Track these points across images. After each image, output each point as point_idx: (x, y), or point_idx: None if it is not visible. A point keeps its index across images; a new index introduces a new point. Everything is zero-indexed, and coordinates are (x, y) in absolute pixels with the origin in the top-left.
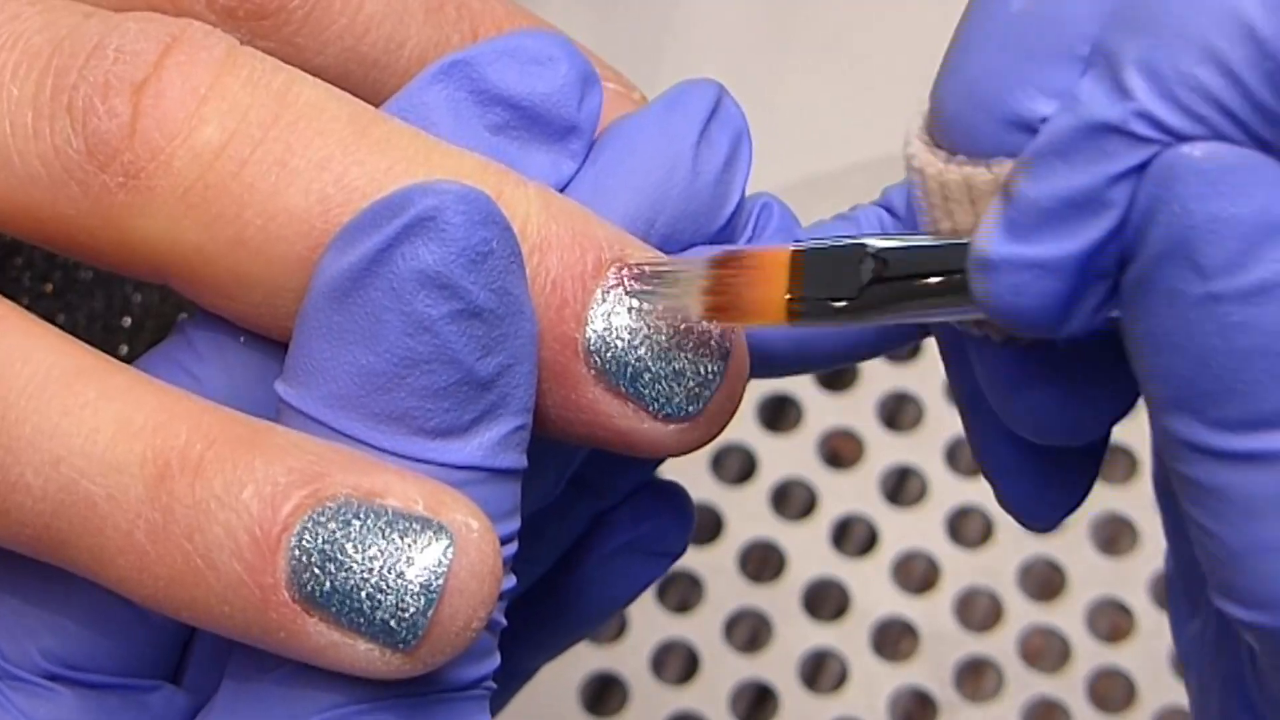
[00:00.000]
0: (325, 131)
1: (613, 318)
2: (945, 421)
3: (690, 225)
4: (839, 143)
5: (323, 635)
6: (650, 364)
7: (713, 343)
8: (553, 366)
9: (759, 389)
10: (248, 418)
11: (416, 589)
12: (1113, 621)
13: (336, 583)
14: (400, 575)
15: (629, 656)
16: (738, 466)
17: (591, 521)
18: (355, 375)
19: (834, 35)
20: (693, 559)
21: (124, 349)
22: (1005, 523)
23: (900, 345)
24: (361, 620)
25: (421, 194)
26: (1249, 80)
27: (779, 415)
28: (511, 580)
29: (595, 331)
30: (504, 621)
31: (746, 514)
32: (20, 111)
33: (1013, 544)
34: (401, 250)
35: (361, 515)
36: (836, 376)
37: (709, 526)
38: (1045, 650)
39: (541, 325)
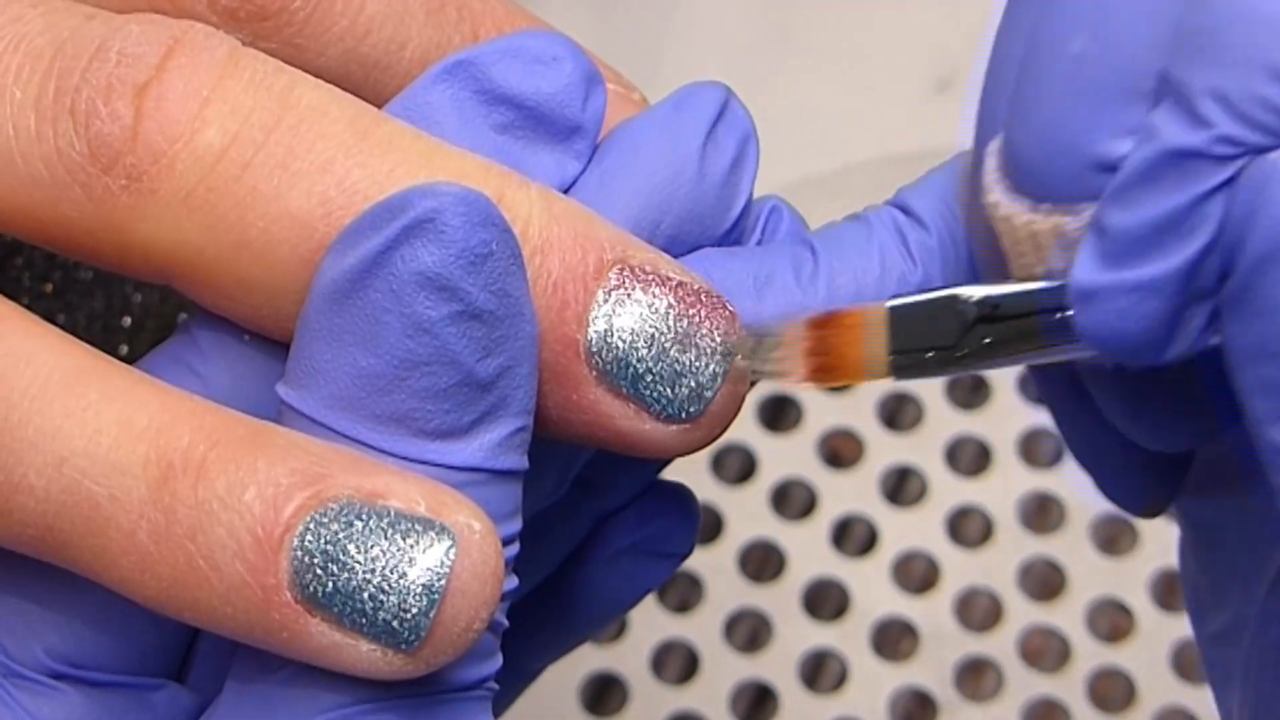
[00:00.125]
0: (327, 134)
1: (614, 319)
2: (945, 421)
3: (696, 227)
4: (839, 143)
5: (325, 636)
6: (652, 365)
7: (715, 344)
8: (554, 368)
9: (759, 389)
10: (250, 419)
11: (419, 590)
12: (1113, 621)
13: (339, 584)
14: (402, 576)
15: (629, 656)
16: (738, 466)
17: (596, 523)
18: (356, 377)
19: (834, 35)
20: (693, 559)
21: (124, 349)
22: (1005, 523)
23: None
24: (364, 621)
25: (421, 196)
26: None
27: (779, 415)
28: (514, 581)
29: (597, 333)
30: (506, 622)
31: (746, 514)
32: (23, 114)
33: (1013, 544)
34: (401, 252)
35: (364, 516)
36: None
37: (709, 526)
38: (1045, 650)
39: (543, 326)
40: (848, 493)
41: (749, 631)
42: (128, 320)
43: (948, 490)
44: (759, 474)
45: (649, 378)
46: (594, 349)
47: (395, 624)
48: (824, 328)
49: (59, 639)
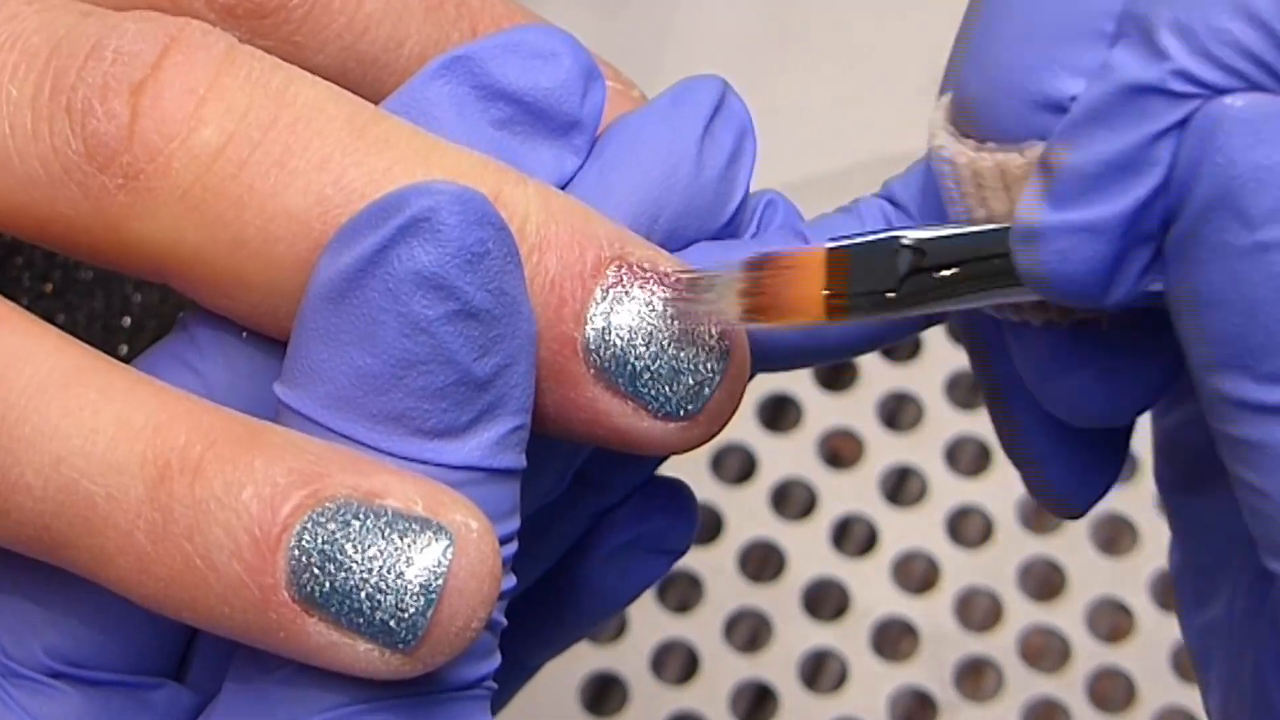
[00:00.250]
0: (324, 132)
1: (612, 316)
2: (945, 421)
3: (694, 221)
4: (839, 143)
5: (322, 635)
6: (650, 363)
7: (713, 341)
8: (552, 366)
9: (759, 389)
10: (247, 418)
11: (416, 589)
12: (1113, 621)
13: (336, 583)
14: (400, 576)
15: (629, 656)
16: (738, 466)
17: (594, 519)
18: (353, 376)
19: (834, 35)
20: (693, 559)
21: (124, 349)
22: (1005, 523)
23: (900, 337)
24: (361, 620)
25: (417, 195)
26: None
27: (779, 415)
28: (511, 580)
29: (594, 330)
30: (504, 621)
31: (746, 514)
32: (19, 112)
33: (1013, 544)
34: (397, 251)
35: (361, 516)
36: (836, 376)
37: (709, 526)
38: (1045, 650)
39: (540, 324)
40: (848, 493)
41: (749, 631)
42: (128, 320)
43: (948, 490)
44: (759, 474)
45: (647, 375)
46: (592, 347)
47: (393, 623)
48: (761, 269)
49: (58, 638)
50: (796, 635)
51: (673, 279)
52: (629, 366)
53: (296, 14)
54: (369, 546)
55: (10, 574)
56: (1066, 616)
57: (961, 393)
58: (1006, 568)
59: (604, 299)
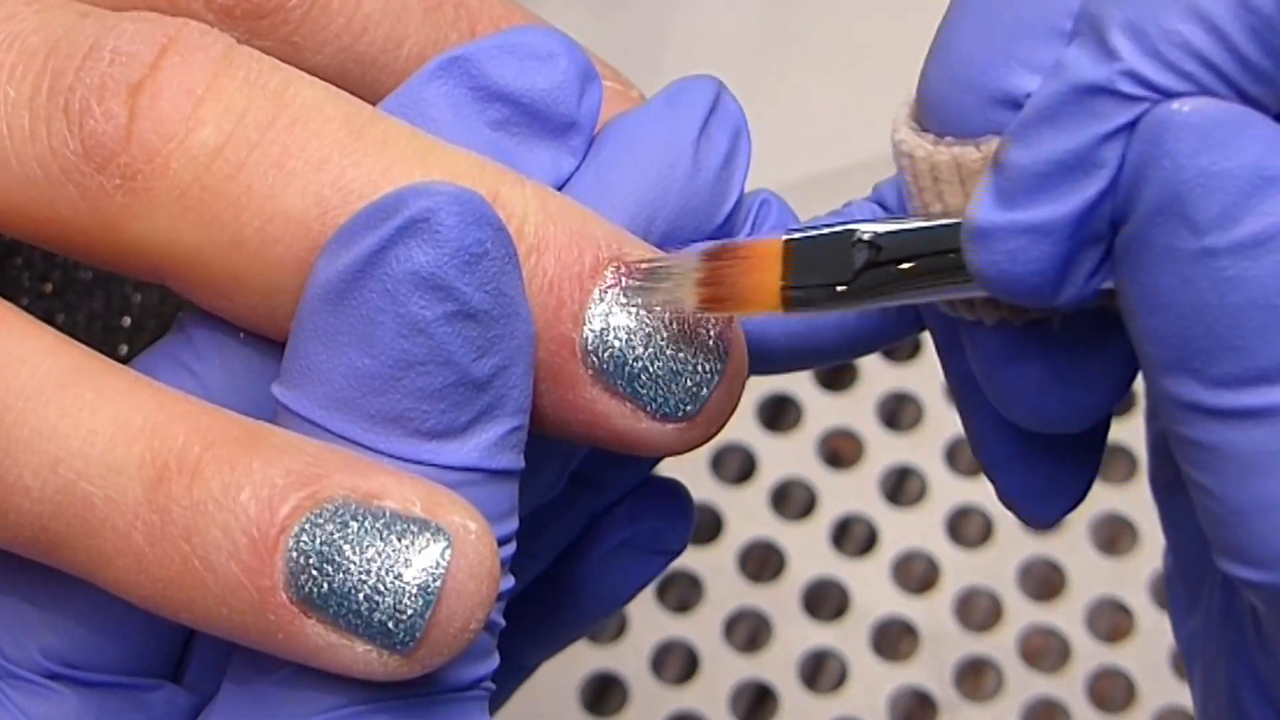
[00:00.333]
0: (322, 133)
1: (610, 318)
2: (945, 421)
3: (691, 221)
4: (839, 143)
5: (320, 637)
6: (648, 364)
7: (710, 342)
8: (550, 367)
9: (759, 389)
10: (245, 419)
11: (414, 591)
12: (1113, 621)
13: (334, 584)
14: (398, 577)
15: (629, 656)
16: (738, 466)
17: (591, 518)
18: (351, 377)
19: (834, 35)
20: (693, 559)
21: (124, 349)
22: (1005, 523)
23: (900, 338)
24: (359, 622)
25: (415, 196)
26: (1234, 35)
27: (779, 415)
28: (510, 581)
29: (593, 331)
30: (502, 622)
31: (746, 514)
32: (17, 113)
33: (1013, 544)
34: (395, 252)
35: (359, 517)
36: (836, 376)
37: (709, 526)
38: (1045, 650)
39: (539, 326)
40: (848, 493)
41: (749, 631)
42: (127, 320)
43: (948, 490)
44: (759, 474)
45: (645, 376)
46: (590, 348)
47: (391, 625)
48: (718, 258)
49: (55, 639)
50: (796, 635)
51: (635, 268)
52: (627, 367)
53: (295, 14)
54: (367, 548)
55: (8, 575)
56: (1066, 616)
57: None
58: (1006, 568)
59: (602, 300)
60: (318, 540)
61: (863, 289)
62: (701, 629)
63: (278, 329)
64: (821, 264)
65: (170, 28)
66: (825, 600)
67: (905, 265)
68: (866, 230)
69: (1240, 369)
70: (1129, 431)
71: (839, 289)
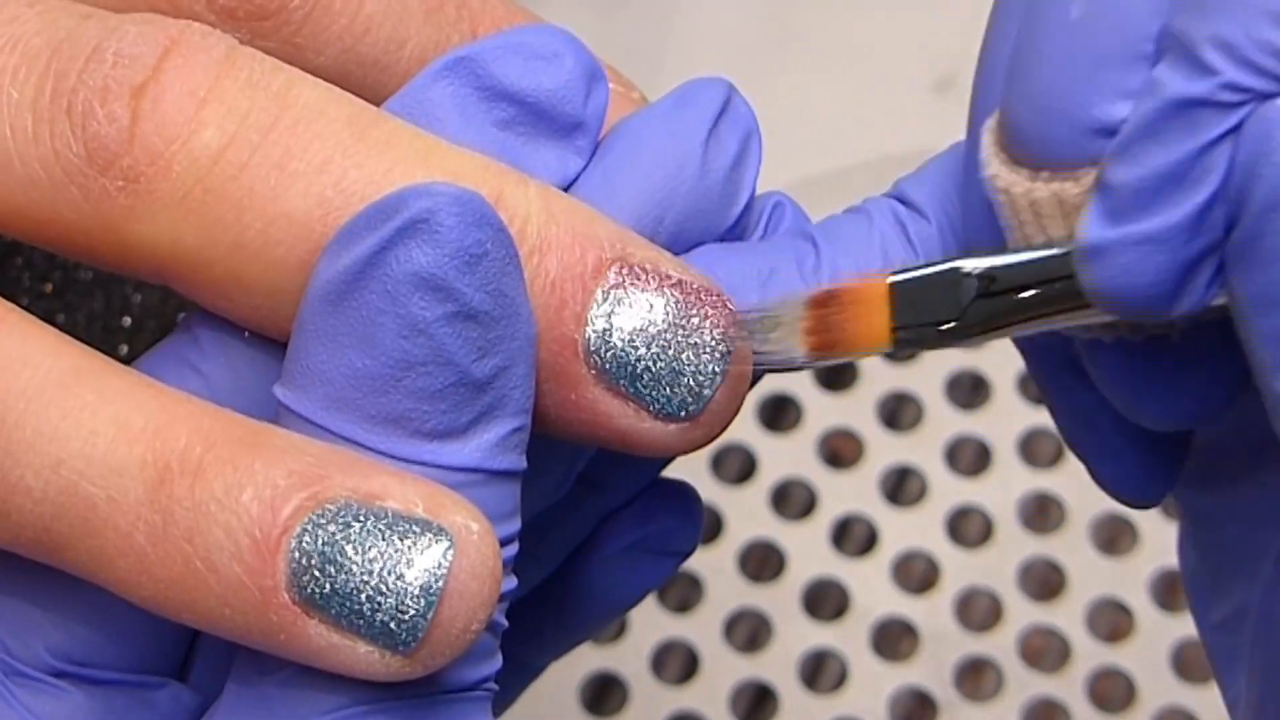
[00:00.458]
0: (324, 134)
1: (613, 318)
2: (945, 421)
3: (699, 224)
4: (839, 143)
5: (323, 637)
6: (650, 364)
7: (714, 342)
8: (552, 367)
9: (759, 389)
10: (248, 420)
11: (416, 591)
12: (1113, 621)
13: (336, 585)
14: (400, 577)
15: (629, 656)
16: (738, 466)
17: (599, 521)
18: (352, 378)
19: (834, 35)
20: (693, 559)
21: (124, 349)
22: (1005, 523)
23: None
24: (361, 622)
25: (415, 196)
26: None
27: (779, 415)
28: (512, 581)
29: (595, 332)
30: (505, 623)
31: (746, 514)
32: (20, 115)
33: (1013, 544)
34: (395, 253)
35: (361, 518)
36: (836, 376)
37: (709, 526)
38: (1045, 650)
39: (541, 326)
40: (848, 493)
41: (749, 631)
42: (128, 320)
43: (948, 490)
44: (759, 474)
45: (648, 377)
46: (592, 348)
47: (393, 625)
48: (824, 306)
49: (61, 637)
50: (796, 635)
51: (734, 318)
52: (630, 368)
53: (297, 16)
54: (369, 548)
55: (13, 573)
56: (1066, 616)
57: (961, 393)
58: (1006, 568)
59: (605, 300)
60: (320, 541)
61: (972, 324)
62: (701, 629)
63: (281, 330)
64: (928, 302)
65: (173, 29)
66: (825, 600)
67: (1015, 298)
68: (973, 265)
69: None
70: None
71: (948, 327)
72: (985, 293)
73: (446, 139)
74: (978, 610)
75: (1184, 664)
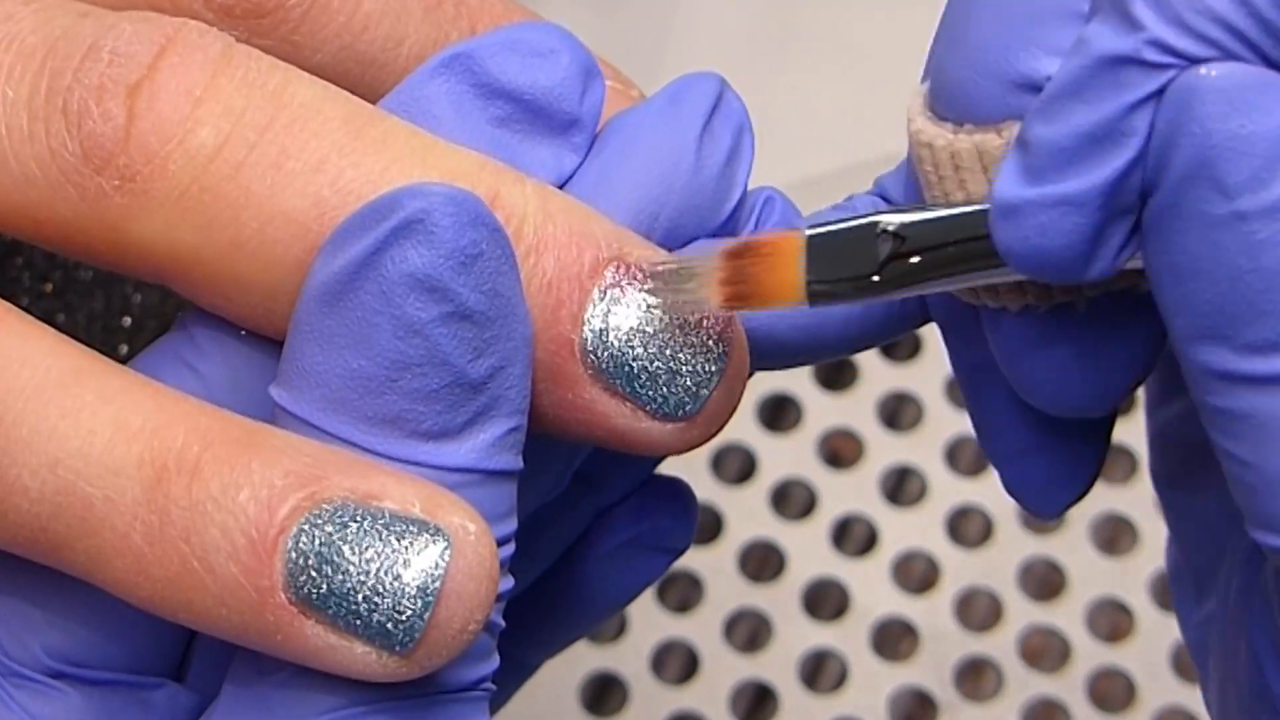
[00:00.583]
0: (321, 133)
1: (610, 317)
2: (945, 421)
3: (694, 219)
4: (839, 143)
5: (320, 638)
6: (647, 363)
7: (711, 342)
8: (549, 367)
9: (759, 389)
10: (245, 420)
11: (413, 592)
12: (1113, 621)
13: (333, 585)
14: (397, 578)
15: (629, 656)
16: (738, 466)
17: (594, 518)
18: (347, 379)
19: (834, 35)
20: (693, 559)
21: (124, 349)
22: (1005, 523)
23: (906, 330)
24: (358, 623)
25: (410, 196)
26: (1256, 0)
27: (779, 415)
28: (509, 581)
29: (592, 332)
30: (502, 623)
31: (746, 514)
32: (15, 113)
33: (1013, 544)
34: (390, 253)
35: (358, 518)
36: (836, 376)
37: (709, 526)
38: (1045, 650)
39: (537, 326)
40: (848, 493)
41: (749, 631)
42: (128, 320)
43: (948, 490)
44: (759, 474)
45: (645, 376)
46: (589, 348)
47: (390, 626)
48: (740, 256)
49: (58, 638)
50: (796, 635)
51: (653, 270)
52: (626, 367)
53: (294, 13)
54: (366, 548)
55: (10, 574)
56: (1066, 616)
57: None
58: (1006, 568)
59: (601, 300)
60: (317, 541)
61: (888, 280)
62: (701, 629)
63: (278, 329)
64: (845, 257)
65: (169, 28)
66: (825, 600)
67: (931, 254)
68: (890, 221)
69: (1273, 333)
70: (1129, 431)
71: (868, 280)
72: (900, 249)
73: (442, 136)
74: (978, 610)
75: (1184, 664)
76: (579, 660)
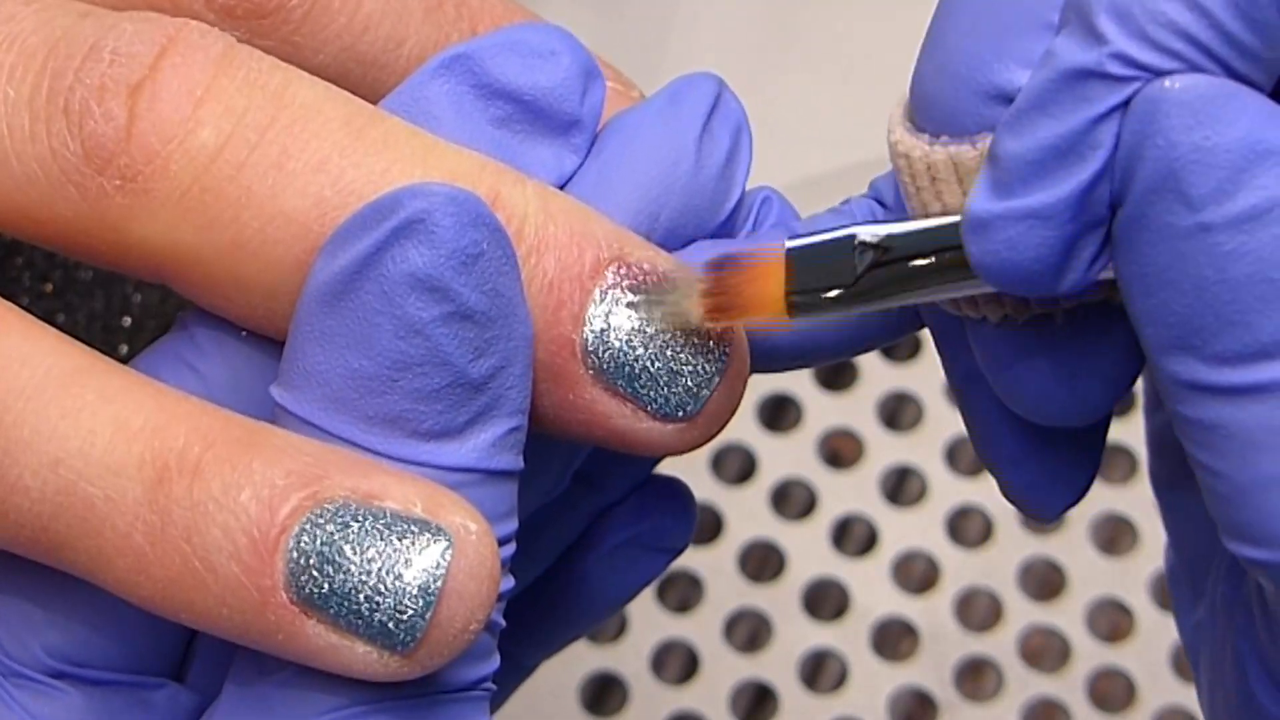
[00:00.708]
0: (322, 133)
1: (610, 318)
2: (945, 421)
3: (693, 219)
4: (839, 143)
5: (321, 637)
6: (648, 364)
7: (711, 342)
8: (550, 367)
9: (759, 389)
10: (246, 420)
11: (415, 591)
12: (1113, 621)
13: (335, 585)
14: (398, 577)
15: (629, 656)
16: (738, 466)
17: (593, 518)
18: (348, 379)
19: (834, 35)
20: (693, 559)
21: (124, 349)
22: (1005, 523)
23: (903, 334)
24: (360, 622)
25: (411, 196)
26: (1218, 13)
27: (779, 415)
28: (510, 581)
29: (593, 332)
30: (503, 623)
31: (746, 514)
32: (17, 114)
33: (1013, 544)
34: (391, 253)
35: (360, 517)
36: (836, 376)
37: (709, 526)
38: (1045, 650)
39: (538, 326)
40: (848, 493)
41: (749, 631)
42: (128, 320)
43: (948, 490)
44: (759, 474)
45: (645, 377)
46: (590, 348)
47: (391, 625)
48: (721, 269)
49: (59, 638)
50: (796, 635)
51: (635, 281)
52: (627, 368)
53: (296, 14)
54: (368, 548)
55: (10, 574)
56: (1066, 616)
57: None
58: (1006, 568)
59: (602, 300)
60: (318, 540)
61: (866, 292)
62: (701, 629)
63: (279, 329)
64: (824, 269)
65: (170, 28)
66: (825, 600)
67: (908, 266)
68: (867, 233)
69: (1240, 345)
70: (1129, 432)
71: (845, 293)
72: (879, 261)
73: (443, 137)
74: (978, 610)
75: (1184, 664)
76: (579, 660)
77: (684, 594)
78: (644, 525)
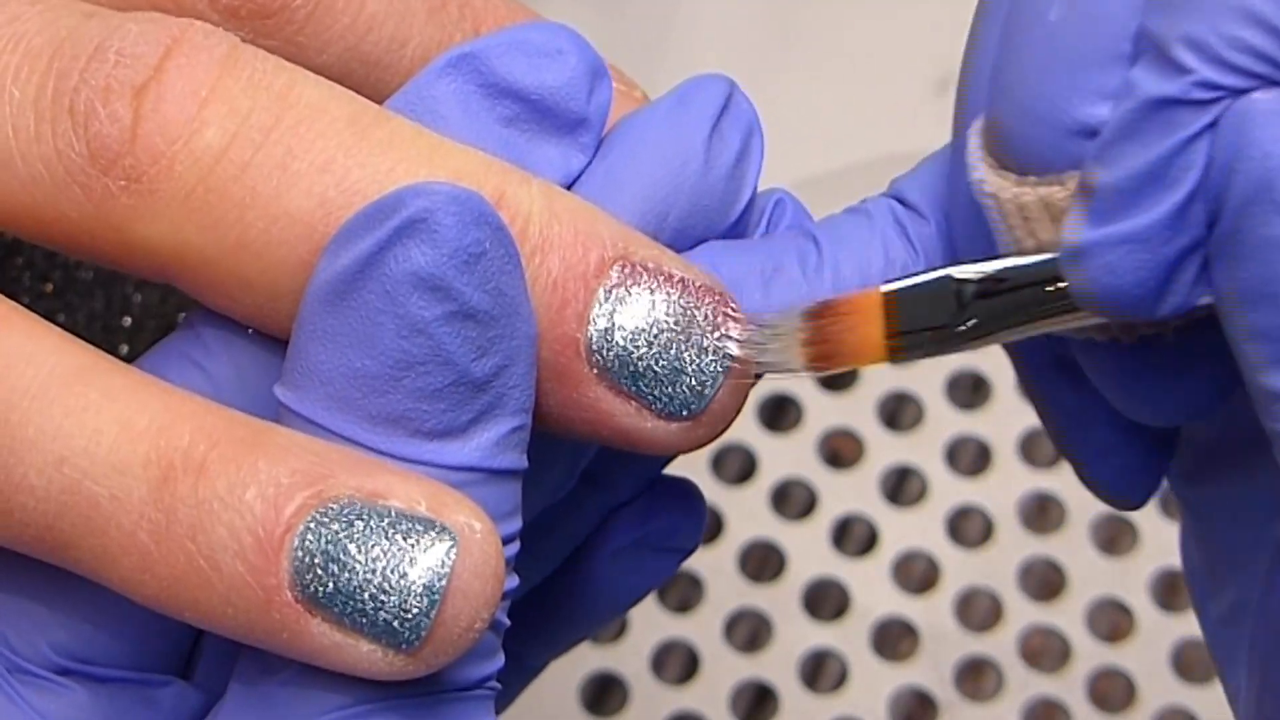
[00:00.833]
0: (326, 133)
1: (615, 317)
2: (945, 421)
3: (702, 220)
4: (839, 143)
5: (326, 636)
6: (653, 363)
7: (716, 341)
8: (555, 366)
9: (759, 389)
10: (251, 419)
11: (419, 590)
12: (1113, 621)
13: (339, 583)
14: (403, 576)
15: (629, 656)
16: (738, 466)
17: (601, 518)
18: (351, 378)
19: (834, 35)
20: (693, 559)
21: (124, 349)
22: (1005, 523)
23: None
24: (364, 621)
25: (413, 196)
26: None
27: (779, 415)
28: (514, 580)
29: (597, 331)
30: (507, 621)
31: (746, 514)
32: (22, 114)
33: (1013, 544)
34: (394, 253)
35: (364, 516)
36: (836, 376)
37: (709, 526)
38: (1045, 650)
39: (543, 325)
40: (848, 493)
41: (749, 631)
42: (128, 320)
43: (948, 490)
44: (759, 474)
45: (650, 375)
46: (595, 347)
47: (396, 624)
48: (820, 317)
49: (65, 635)
50: (796, 635)
51: (736, 334)
52: (631, 367)
53: (300, 14)
54: (372, 547)
55: (17, 572)
56: (1066, 616)
57: (961, 393)
58: (1006, 568)
59: (607, 299)
60: (323, 539)
61: (965, 332)
62: (701, 629)
63: (283, 328)
64: (923, 311)
65: (175, 28)
66: (825, 600)
67: (1009, 303)
68: (963, 272)
69: None
70: None
71: (945, 333)
72: (977, 299)
73: (449, 136)
74: (978, 610)
75: (1184, 664)
76: (579, 660)
77: (684, 594)
78: (652, 526)
